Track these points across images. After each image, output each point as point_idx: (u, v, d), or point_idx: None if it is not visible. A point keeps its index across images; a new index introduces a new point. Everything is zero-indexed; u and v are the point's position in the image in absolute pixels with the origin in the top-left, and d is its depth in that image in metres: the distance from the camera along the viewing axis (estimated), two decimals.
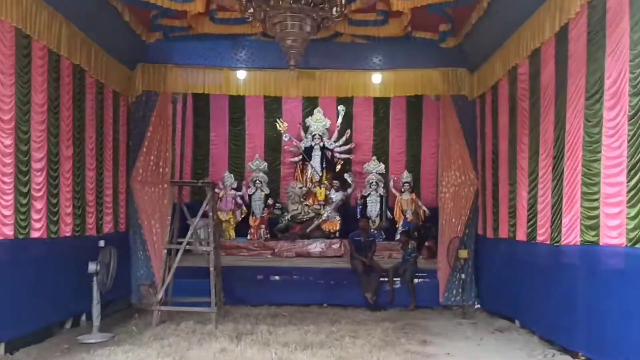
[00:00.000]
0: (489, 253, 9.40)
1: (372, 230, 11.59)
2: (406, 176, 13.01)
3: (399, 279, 9.94)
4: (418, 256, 10.39)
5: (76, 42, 7.81)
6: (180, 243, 8.37)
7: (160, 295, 8.29)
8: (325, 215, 12.77)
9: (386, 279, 9.86)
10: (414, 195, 12.95)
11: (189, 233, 8.40)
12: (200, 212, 8.37)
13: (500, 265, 8.65)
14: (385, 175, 13.30)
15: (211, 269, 8.21)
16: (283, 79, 10.22)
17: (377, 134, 13.98)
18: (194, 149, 13.87)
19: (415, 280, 9.97)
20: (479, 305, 9.57)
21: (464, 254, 9.07)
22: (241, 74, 10.23)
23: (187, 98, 12.86)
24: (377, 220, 12.83)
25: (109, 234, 9.07)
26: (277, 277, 10.15)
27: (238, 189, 13.09)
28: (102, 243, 8.34)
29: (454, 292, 9.83)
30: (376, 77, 10.19)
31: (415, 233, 12.64)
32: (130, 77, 9.99)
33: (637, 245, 4.83)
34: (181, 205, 8.86)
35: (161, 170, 10.10)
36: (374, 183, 12.94)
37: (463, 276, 9.16)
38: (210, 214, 8.43)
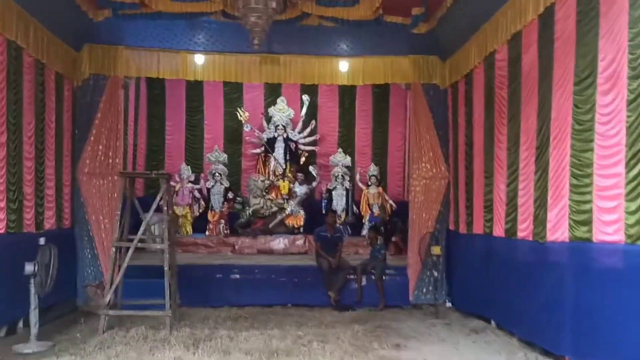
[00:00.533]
0: (462, 249, 8.96)
1: (338, 225, 11.00)
2: (373, 169, 12.54)
3: (365, 276, 9.42)
4: (387, 252, 9.88)
5: (11, 15, 6.93)
6: (131, 240, 7.59)
7: (108, 297, 7.50)
8: (289, 209, 12.17)
9: (354, 277, 9.32)
10: (380, 189, 12.50)
11: (141, 229, 7.63)
12: (154, 206, 7.61)
13: (475, 262, 8.22)
14: (351, 168, 12.79)
15: (165, 268, 7.47)
16: (245, 63, 9.51)
17: (342, 125, 13.47)
18: (148, 138, 13.07)
19: (384, 278, 9.46)
20: (450, 304, 9.13)
21: (437, 250, 8.62)
22: (199, 58, 9.45)
23: (140, 83, 12.04)
24: (343, 215, 12.32)
25: (51, 230, 8.20)
26: (237, 276, 9.44)
27: (196, 182, 12.34)
28: (42, 241, 7.48)
29: (424, 290, 9.36)
30: (343, 64, 9.60)
31: (382, 228, 12.22)
32: (76, 59, 9.09)
33: (638, 243, 4.41)
34: (133, 198, 8.06)
35: (111, 161, 9.24)
36: (339, 176, 12.41)
37: (436, 274, 8.72)
38: (165, 208, 7.69)
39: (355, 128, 13.46)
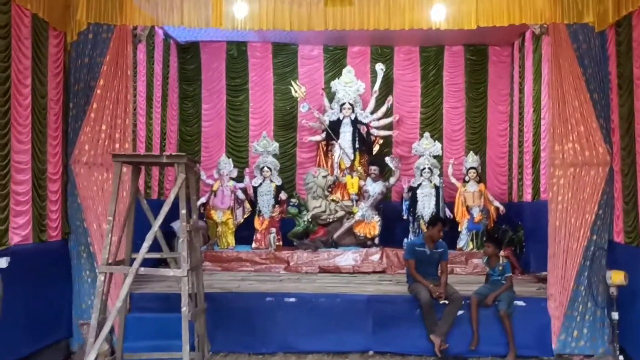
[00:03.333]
0: (636, 272, 5.75)
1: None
2: (472, 160, 9.40)
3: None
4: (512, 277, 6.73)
5: None
6: (131, 261, 4.81)
7: (98, 343, 4.74)
8: (359, 214, 9.22)
9: (460, 312, 6.27)
10: (483, 186, 9.35)
11: (146, 243, 4.83)
12: (165, 209, 4.80)
13: None
14: (440, 159, 9.71)
15: (183, 307, 4.65)
16: (303, 4, 6.63)
17: (426, 103, 10.40)
18: (179, 124, 10.37)
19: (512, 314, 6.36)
20: (622, 358, 5.92)
21: (618, 278, 5.42)
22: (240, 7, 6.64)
23: (169, 52, 9.43)
24: None
25: (22, 246, 5.54)
26: (295, 309, 6.55)
27: (239, 179, 9.56)
28: (3, 262, 4.92)
29: (575, 333, 6.22)
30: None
31: (484, 239, 9.10)
32: (69, 3, 6.49)
33: None
34: (138, 196, 5.31)
35: (118, 146, 6.53)
36: (426, 170, 9.34)
37: (615, 315, 5.52)
38: (183, 211, 4.86)
39: (442, 107, 10.37)
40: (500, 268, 6.56)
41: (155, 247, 5.39)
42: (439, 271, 6.62)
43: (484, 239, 7.22)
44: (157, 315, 6.35)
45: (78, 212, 6.49)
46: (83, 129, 6.51)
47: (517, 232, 9.18)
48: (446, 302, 6.31)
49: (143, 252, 4.63)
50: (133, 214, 5.21)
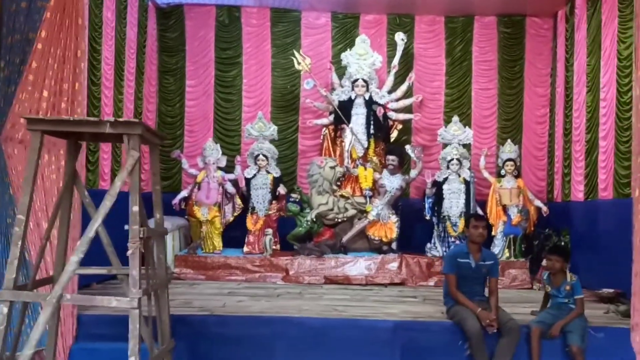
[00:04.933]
0: None
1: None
2: (509, 149, 7.82)
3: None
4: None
5: None
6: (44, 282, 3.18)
7: None
8: (374, 213, 7.63)
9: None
10: (521, 182, 7.78)
11: (75, 256, 3.18)
12: (106, 203, 3.16)
13: None
14: (469, 149, 8.13)
15: (130, 343, 3.02)
16: None
17: (452, 83, 8.81)
18: (159, 103, 8.74)
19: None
20: None
21: None
22: None
23: (146, 17, 7.79)
24: (460, 224, 7.66)
25: None
26: (296, 339, 4.94)
27: (229, 169, 7.96)
28: None
29: None
30: None
31: (523, 246, 7.60)
32: None
33: None
34: (78, 184, 3.67)
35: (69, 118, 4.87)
36: (454, 161, 7.74)
37: None
38: (135, 208, 3.22)
39: (471, 88, 8.77)
40: (568, 288, 4.96)
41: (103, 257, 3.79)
42: (486, 289, 5.04)
43: (548, 250, 5.59)
44: (113, 345, 4.72)
45: (9, 206, 4.85)
46: (17, 95, 4.84)
47: (562, 237, 7.64)
48: (498, 331, 4.74)
49: (70, 271, 2.99)
50: (69, 211, 3.58)
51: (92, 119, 4.48)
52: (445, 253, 7.15)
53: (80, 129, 3.41)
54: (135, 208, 3.11)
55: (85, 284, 5.78)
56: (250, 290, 6.52)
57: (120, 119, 4.24)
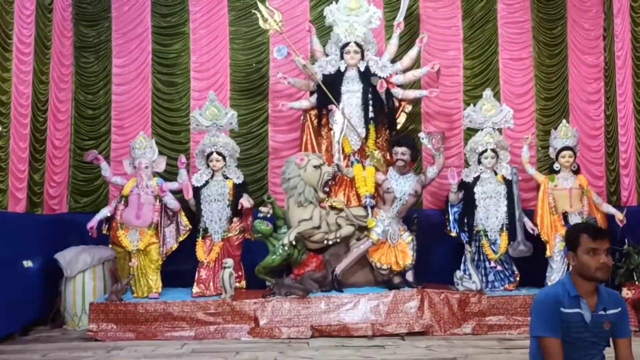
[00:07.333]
0: None
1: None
2: (565, 134, 5.63)
3: None
4: None
5: None
6: None
7: None
8: (378, 230, 5.34)
9: None
10: (583, 179, 5.59)
11: None
12: None
13: None
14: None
15: None
16: None
17: (472, 53, 6.61)
18: (75, 92, 6.39)
19: None
20: None
21: None
22: None
23: None
24: (502, 239, 5.39)
25: None
26: None
27: (171, 176, 5.61)
28: None
29: None
30: None
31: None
32: None
33: None
34: None
35: None
36: (488, 153, 5.49)
37: None
38: None
39: (497, 59, 6.55)
40: None
41: None
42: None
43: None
44: None
45: None
46: None
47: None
48: None
49: None
50: None
51: None
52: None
53: None
54: None
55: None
56: (202, 356, 4.23)
57: None
